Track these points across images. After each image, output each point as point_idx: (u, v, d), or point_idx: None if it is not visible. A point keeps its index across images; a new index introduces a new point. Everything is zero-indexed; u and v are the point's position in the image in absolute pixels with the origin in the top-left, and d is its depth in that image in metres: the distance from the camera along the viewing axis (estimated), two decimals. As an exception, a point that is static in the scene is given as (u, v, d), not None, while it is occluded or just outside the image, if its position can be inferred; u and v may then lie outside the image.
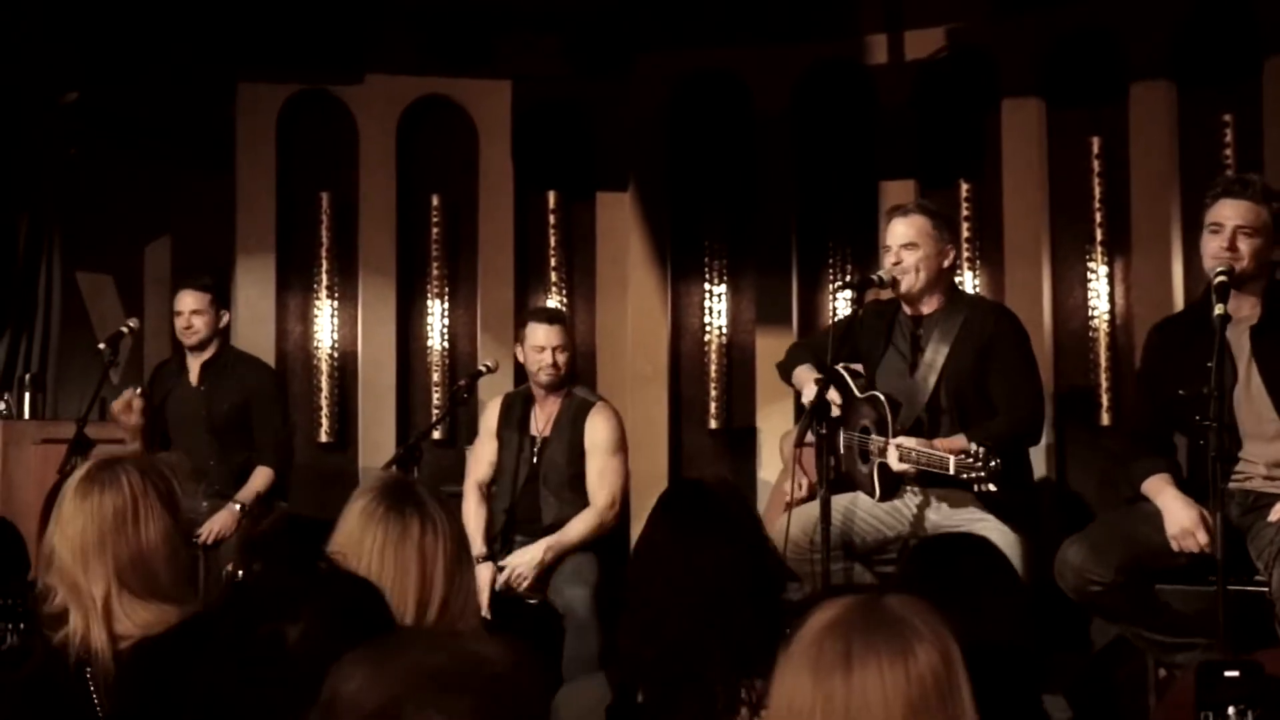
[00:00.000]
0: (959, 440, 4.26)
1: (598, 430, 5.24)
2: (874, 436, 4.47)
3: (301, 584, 2.18)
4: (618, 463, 5.25)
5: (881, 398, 4.49)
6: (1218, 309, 3.82)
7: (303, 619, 1.97)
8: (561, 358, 5.26)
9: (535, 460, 5.29)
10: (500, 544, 5.29)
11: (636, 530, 6.42)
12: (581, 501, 5.23)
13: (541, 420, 5.33)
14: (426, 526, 2.61)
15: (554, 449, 5.27)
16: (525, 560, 5.10)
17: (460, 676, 1.61)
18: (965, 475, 4.07)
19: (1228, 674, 2.12)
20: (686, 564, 2.69)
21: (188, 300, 5.70)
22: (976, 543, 2.77)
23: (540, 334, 5.26)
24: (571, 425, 5.26)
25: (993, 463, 4.01)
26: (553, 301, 6.79)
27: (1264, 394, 4.01)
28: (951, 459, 4.10)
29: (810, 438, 4.44)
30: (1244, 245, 3.99)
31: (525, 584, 5.09)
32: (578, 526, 5.16)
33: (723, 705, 2.54)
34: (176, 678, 2.38)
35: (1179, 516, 3.96)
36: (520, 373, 5.78)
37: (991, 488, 4.05)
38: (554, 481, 5.26)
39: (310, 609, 2.02)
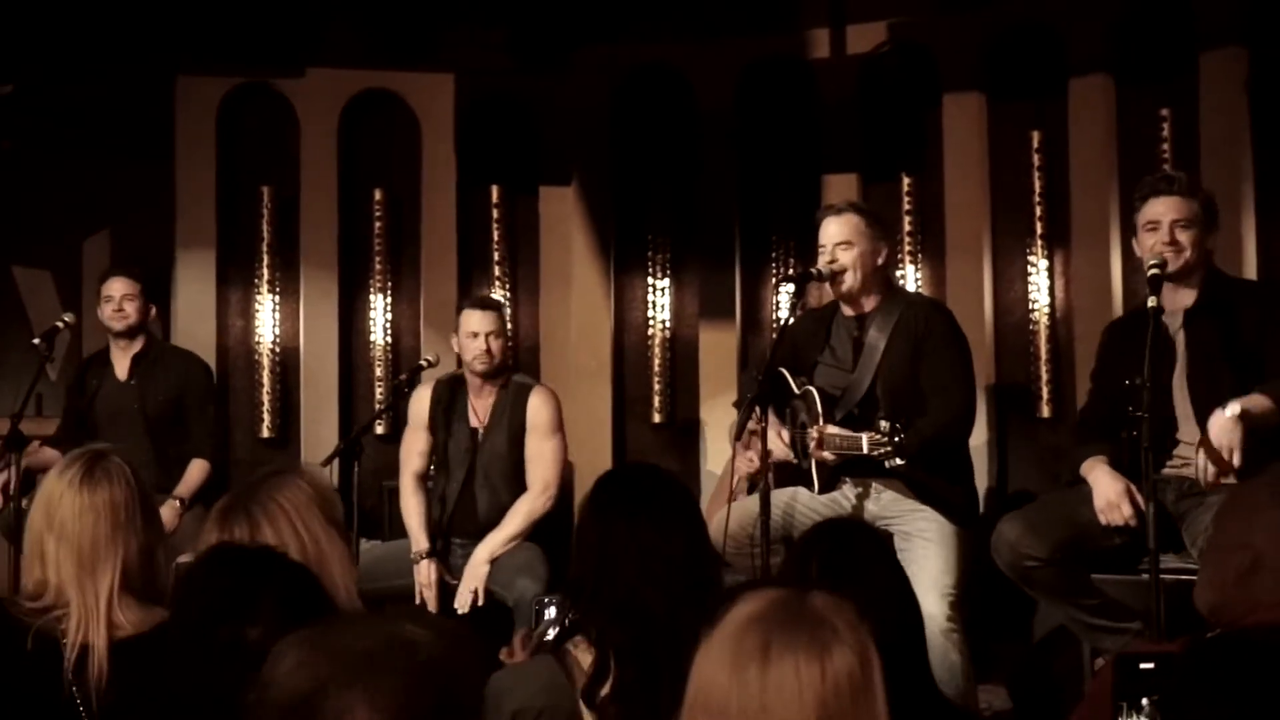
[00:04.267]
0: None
1: (537, 410, 5.20)
2: (810, 430, 4.49)
3: (254, 582, 2.19)
4: (556, 444, 5.20)
5: (814, 392, 4.52)
6: (1150, 301, 3.90)
7: (260, 620, 2.00)
8: (495, 344, 5.19)
9: (474, 453, 5.23)
10: (442, 545, 5.26)
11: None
12: (519, 493, 5.18)
13: (481, 411, 5.27)
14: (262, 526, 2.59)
15: (494, 438, 5.21)
16: (476, 577, 5.06)
17: (387, 659, 1.62)
18: (875, 452, 4.12)
19: (1144, 665, 2.13)
20: (655, 545, 2.72)
21: (118, 285, 5.67)
22: (848, 530, 2.80)
23: (474, 320, 5.20)
24: (511, 411, 5.21)
25: (897, 438, 4.07)
26: (496, 295, 6.76)
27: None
28: (864, 438, 4.15)
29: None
30: (1183, 237, 4.10)
31: (480, 599, 5.07)
32: (514, 520, 5.12)
33: None
34: (160, 676, 2.37)
35: (1106, 490, 4.04)
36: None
37: (898, 461, 4.09)
38: (493, 473, 5.20)
39: (267, 608, 2.05)
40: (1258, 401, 3.86)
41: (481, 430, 5.24)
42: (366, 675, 1.60)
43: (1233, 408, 3.84)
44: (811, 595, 1.81)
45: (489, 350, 5.18)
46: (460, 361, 5.33)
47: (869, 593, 2.50)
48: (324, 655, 1.63)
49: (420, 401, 5.36)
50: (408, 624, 1.68)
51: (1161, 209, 4.12)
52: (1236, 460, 3.78)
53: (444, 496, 5.28)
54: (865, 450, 4.14)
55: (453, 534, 5.26)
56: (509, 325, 5.27)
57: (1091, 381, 4.51)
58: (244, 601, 2.13)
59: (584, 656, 2.72)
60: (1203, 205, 4.15)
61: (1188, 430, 4.08)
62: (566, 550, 5.68)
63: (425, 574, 5.16)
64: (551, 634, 2.87)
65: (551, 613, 3.18)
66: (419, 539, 5.24)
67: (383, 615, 1.73)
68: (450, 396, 5.31)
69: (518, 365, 5.38)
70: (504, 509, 5.15)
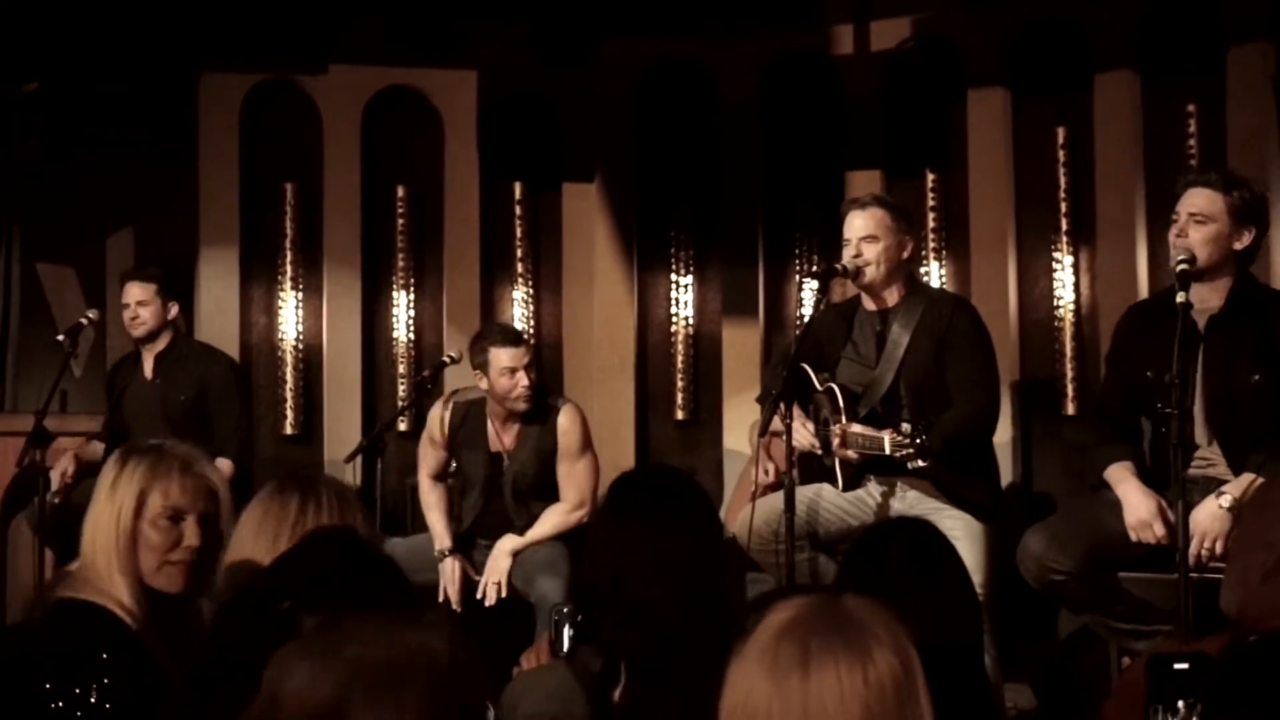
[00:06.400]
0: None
1: (566, 433, 5.13)
2: (833, 428, 4.46)
3: (329, 574, 2.17)
4: (587, 462, 5.14)
5: (836, 388, 4.49)
6: (1179, 297, 3.85)
7: (321, 613, 1.95)
8: (532, 376, 5.09)
9: (497, 477, 5.19)
10: (468, 546, 5.28)
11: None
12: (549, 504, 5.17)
13: (505, 437, 5.19)
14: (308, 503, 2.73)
15: (523, 459, 5.16)
16: (499, 570, 5.07)
17: (406, 668, 1.59)
18: (898, 454, 4.07)
19: (1178, 666, 2.09)
20: (669, 551, 2.70)
21: (133, 291, 5.69)
22: (918, 528, 2.75)
23: (507, 357, 5.05)
24: (539, 432, 5.15)
25: (920, 439, 4.01)
26: (518, 293, 6.76)
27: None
28: (886, 439, 4.10)
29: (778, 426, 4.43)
30: (1195, 233, 4.03)
31: (503, 592, 5.07)
32: (542, 526, 5.12)
33: (710, 690, 2.53)
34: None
35: (1137, 508, 3.98)
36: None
37: (921, 463, 4.04)
38: (523, 492, 5.17)
39: (332, 602, 2.01)
40: (1249, 484, 3.83)
41: (507, 455, 5.18)
42: (392, 688, 1.57)
43: (1224, 498, 3.83)
44: (845, 599, 1.78)
45: (529, 385, 5.08)
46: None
47: (940, 590, 2.49)
48: (342, 666, 1.58)
49: (435, 421, 5.32)
50: (420, 631, 1.63)
51: (1182, 203, 4.09)
52: (1219, 550, 3.78)
53: (473, 517, 5.26)
54: (887, 451, 4.10)
55: (477, 536, 5.27)
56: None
57: (1107, 365, 4.45)
58: (315, 587, 2.11)
59: (595, 662, 2.71)
60: (1234, 203, 4.07)
61: (1200, 433, 4.05)
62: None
63: (450, 571, 5.17)
64: (567, 642, 2.86)
65: (570, 623, 3.17)
66: (442, 536, 5.24)
67: (388, 621, 1.67)
68: (469, 420, 5.25)
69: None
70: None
